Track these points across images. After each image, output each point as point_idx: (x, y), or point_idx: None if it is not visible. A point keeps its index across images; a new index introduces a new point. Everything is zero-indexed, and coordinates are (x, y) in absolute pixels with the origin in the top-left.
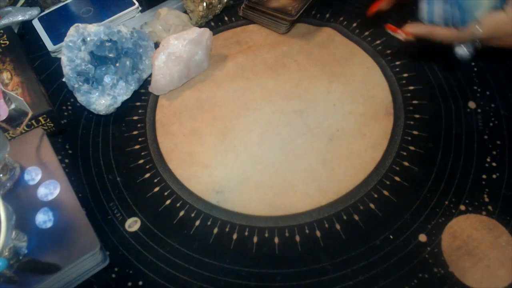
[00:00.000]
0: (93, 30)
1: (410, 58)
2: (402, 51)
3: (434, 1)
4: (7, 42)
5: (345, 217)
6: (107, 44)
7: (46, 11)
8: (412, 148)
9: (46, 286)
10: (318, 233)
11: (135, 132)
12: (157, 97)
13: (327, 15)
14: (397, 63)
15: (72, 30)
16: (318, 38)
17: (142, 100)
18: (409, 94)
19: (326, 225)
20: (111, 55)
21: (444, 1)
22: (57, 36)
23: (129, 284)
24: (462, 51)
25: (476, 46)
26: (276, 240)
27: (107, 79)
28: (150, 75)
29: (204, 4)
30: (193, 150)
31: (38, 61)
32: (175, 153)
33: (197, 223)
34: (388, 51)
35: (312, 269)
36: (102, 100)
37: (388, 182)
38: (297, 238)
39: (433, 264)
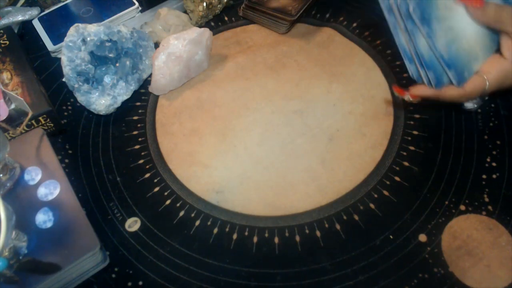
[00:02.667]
0: (93, 30)
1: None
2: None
3: (413, 64)
4: (7, 42)
5: (345, 217)
6: (107, 44)
7: (46, 11)
8: (412, 148)
9: (46, 286)
10: (318, 233)
11: (135, 132)
12: (157, 97)
13: (327, 15)
14: (397, 63)
15: (72, 30)
16: (318, 38)
17: (142, 100)
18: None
19: (326, 225)
20: (111, 55)
21: (429, 67)
22: (57, 36)
23: (129, 284)
24: (471, 105)
25: (483, 98)
26: (276, 240)
27: (107, 79)
28: (150, 75)
29: (204, 4)
30: (193, 150)
31: (38, 61)
32: (175, 153)
33: (197, 223)
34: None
35: (312, 269)
36: (102, 100)
37: (388, 182)
38: (297, 238)
39: (433, 264)
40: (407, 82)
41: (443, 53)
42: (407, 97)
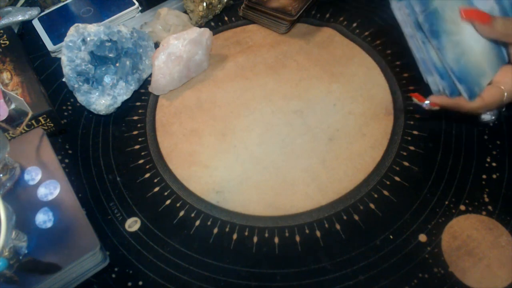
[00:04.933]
0: (93, 30)
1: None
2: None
3: (432, 76)
4: (7, 42)
5: (345, 217)
6: (107, 44)
7: (46, 11)
8: (412, 148)
9: (46, 286)
10: (318, 233)
11: (135, 132)
12: (157, 97)
13: (327, 15)
14: (397, 63)
15: (72, 30)
16: (318, 38)
17: (142, 100)
18: (409, 94)
19: (326, 225)
20: (111, 55)
21: (443, 78)
22: (57, 36)
23: (129, 284)
24: (488, 117)
25: (500, 109)
26: (276, 240)
27: (107, 79)
28: (150, 75)
29: (204, 4)
30: (193, 150)
31: (38, 61)
32: (175, 153)
33: (197, 223)
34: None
35: (312, 269)
36: (102, 100)
37: (388, 182)
38: (297, 238)
39: (433, 264)
40: (407, 82)
41: (453, 67)
42: (427, 104)
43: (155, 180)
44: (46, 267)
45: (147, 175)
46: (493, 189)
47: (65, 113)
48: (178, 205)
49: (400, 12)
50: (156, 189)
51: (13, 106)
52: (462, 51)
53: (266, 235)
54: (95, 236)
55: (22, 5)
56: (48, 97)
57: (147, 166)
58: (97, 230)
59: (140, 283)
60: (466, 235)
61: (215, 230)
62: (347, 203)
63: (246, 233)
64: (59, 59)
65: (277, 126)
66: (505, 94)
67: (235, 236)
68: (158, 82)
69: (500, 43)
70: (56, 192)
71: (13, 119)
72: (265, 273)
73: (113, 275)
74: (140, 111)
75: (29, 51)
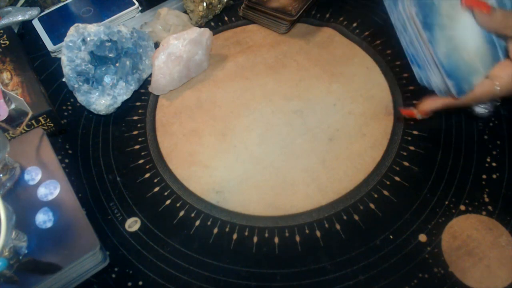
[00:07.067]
0: (93, 30)
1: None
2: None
3: (426, 69)
4: (7, 42)
5: (345, 217)
6: (107, 44)
7: (46, 11)
8: (412, 148)
9: (46, 286)
10: (318, 233)
11: (135, 132)
12: (157, 97)
13: (327, 15)
14: (397, 63)
15: (72, 30)
16: (318, 38)
17: (142, 100)
18: (409, 94)
19: (326, 225)
20: (111, 55)
21: (436, 73)
22: (57, 36)
23: (129, 284)
24: (481, 110)
25: (495, 103)
26: (276, 240)
27: (107, 79)
28: (150, 75)
29: (204, 4)
30: (193, 150)
31: (38, 61)
32: (175, 153)
33: (197, 223)
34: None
35: (312, 269)
36: (102, 100)
37: (388, 182)
38: (297, 238)
39: (433, 264)
40: (407, 82)
41: (443, 61)
42: (418, 115)
43: (155, 180)
44: (46, 267)
45: (147, 175)
46: (493, 189)
47: (65, 113)
48: (178, 205)
49: (392, 7)
50: (156, 189)
51: (13, 106)
52: (454, 46)
53: (266, 235)
54: (95, 236)
55: (22, 5)
56: (48, 97)
57: (147, 166)
58: (97, 230)
59: (140, 283)
60: (466, 235)
61: (215, 230)
62: (347, 203)
63: (246, 233)
64: (59, 59)
65: (277, 126)
66: (497, 88)
67: (235, 236)
68: (158, 82)
69: (499, 37)
70: (56, 192)
71: (13, 119)
72: (265, 273)
73: (113, 275)
74: (140, 111)
75: (29, 51)
